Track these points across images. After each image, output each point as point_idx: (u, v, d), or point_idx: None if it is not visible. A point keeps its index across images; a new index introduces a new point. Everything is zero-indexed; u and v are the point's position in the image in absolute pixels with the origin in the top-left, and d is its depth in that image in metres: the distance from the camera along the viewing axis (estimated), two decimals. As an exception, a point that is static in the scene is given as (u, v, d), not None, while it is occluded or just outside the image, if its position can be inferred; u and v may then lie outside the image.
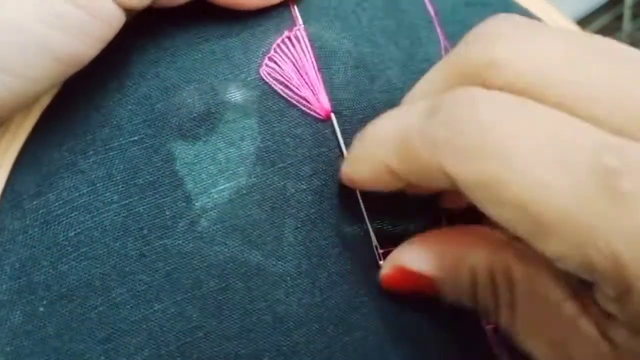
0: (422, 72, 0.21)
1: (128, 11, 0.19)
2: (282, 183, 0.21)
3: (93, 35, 0.18)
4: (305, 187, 0.21)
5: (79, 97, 0.20)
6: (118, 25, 0.19)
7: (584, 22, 0.94)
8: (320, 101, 0.21)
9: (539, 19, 0.24)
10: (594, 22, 0.99)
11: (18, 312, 0.19)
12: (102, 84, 0.20)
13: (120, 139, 0.20)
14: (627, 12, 0.99)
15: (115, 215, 0.20)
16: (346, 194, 0.22)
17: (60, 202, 0.20)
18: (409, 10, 0.23)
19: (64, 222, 0.20)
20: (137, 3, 0.19)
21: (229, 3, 0.21)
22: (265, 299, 0.21)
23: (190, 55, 0.21)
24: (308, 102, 0.21)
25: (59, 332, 0.19)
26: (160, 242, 0.20)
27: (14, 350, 0.19)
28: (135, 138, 0.20)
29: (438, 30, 0.24)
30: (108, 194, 0.20)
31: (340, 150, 0.22)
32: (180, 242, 0.20)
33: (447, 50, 0.24)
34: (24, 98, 0.18)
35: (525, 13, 0.24)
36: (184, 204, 0.20)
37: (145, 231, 0.20)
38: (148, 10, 0.20)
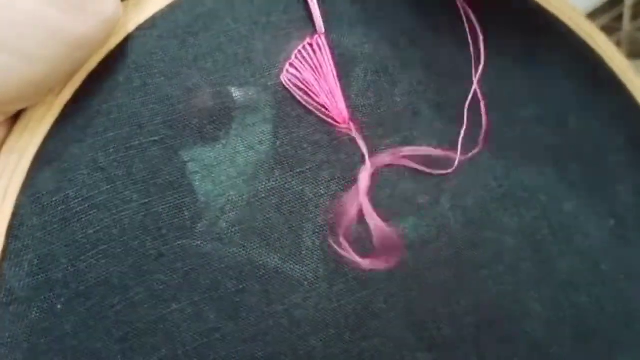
0: (446, 73, 0.22)
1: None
2: (301, 188, 0.21)
3: (95, 16, 0.18)
4: (323, 192, 0.21)
5: (100, 94, 0.20)
6: (118, 6, 0.18)
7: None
8: (338, 108, 0.22)
9: (564, 24, 0.24)
10: (594, 22, 0.98)
11: (36, 309, 0.19)
12: (124, 82, 0.20)
13: (141, 138, 0.20)
14: (627, 12, 0.99)
15: (134, 214, 0.20)
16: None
17: (80, 199, 0.20)
18: (433, 11, 0.23)
19: (83, 219, 0.19)
20: None
21: None
22: (283, 302, 0.21)
23: (213, 56, 0.21)
24: (327, 109, 0.21)
25: (76, 330, 0.19)
26: (179, 242, 0.20)
27: (31, 347, 0.19)
28: (156, 138, 0.20)
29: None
30: (127, 192, 0.20)
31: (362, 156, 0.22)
32: (198, 242, 0.20)
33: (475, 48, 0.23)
34: (35, 83, 0.18)
35: (550, 18, 0.24)
36: (203, 205, 0.20)
37: (164, 231, 0.20)
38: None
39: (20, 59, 0.17)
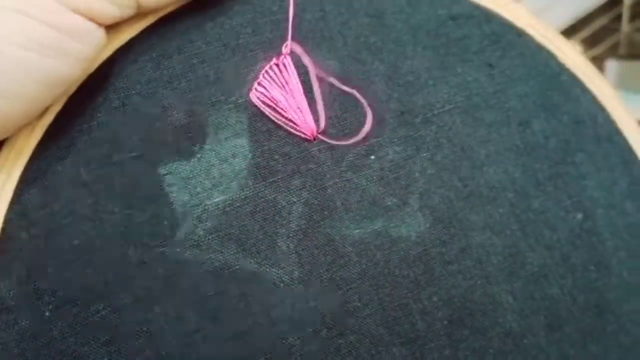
0: (407, 84, 0.23)
1: (109, 28, 0.20)
2: (273, 196, 0.23)
3: (74, 56, 0.19)
4: (295, 200, 0.23)
5: (80, 114, 0.22)
6: (99, 43, 0.20)
7: (583, 22, 0.95)
8: (306, 122, 0.23)
9: (523, 32, 0.26)
10: (593, 22, 1.00)
11: (25, 317, 0.20)
12: (103, 103, 0.22)
13: (121, 154, 0.22)
14: (625, 13, 1.00)
15: (116, 225, 0.21)
16: (334, 205, 0.23)
17: (65, 212, 0.21)
18: (394, 26, 0.25)
19: (68, 231, 0.21)
20: (118, 16, 0.20)
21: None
22: (261, 303, 0.22)
23: (186, 76, 0.22)
24: (295, 123, 0.23)
25: (63, 335, 0.20)
26: (160, 250, 0.21)
27: (21, 352, 0.20)
28: (135, 154, 0.22)
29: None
30: (110, 205, 0.21)
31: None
32: (178, 249, 0.22)
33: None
34: (15, 119, 0.19)
35: (509, 26, 0.26)
36: (181, 215, 0.22)
37: (145, 240, 0.21)
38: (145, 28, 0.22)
39: (6, 102, 0.18)
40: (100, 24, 0.20)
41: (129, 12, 0.20)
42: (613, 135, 0.26)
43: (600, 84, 0.26)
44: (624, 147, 0.26)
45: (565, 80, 0.26)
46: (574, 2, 0.94)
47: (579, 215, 0.25)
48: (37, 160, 0.21)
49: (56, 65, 0.19)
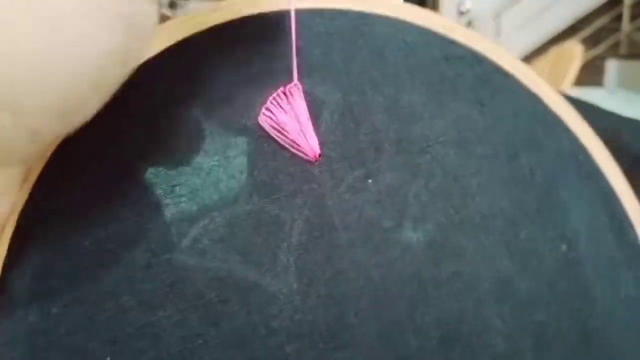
0: (405, 116, 0.25)
1: None
2: (276, 212, 0.24)
3: (142, 34, 0.19)
4: (297, 217, 0.24)
5: (95, 124, 0.23)
6: (154, 23, 0.20)
7: (583, 22, 0.95)
8: (309, 145, 0.25)
9: (510, 74, 0.28)
10: (593, 22, 1.01)
11: (34, 312, 0.21)
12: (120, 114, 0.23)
13: (140, 163, 0.23)
14: (626, 13, 1.00)
15: (127, 230, 0.22)
16: (333, 224, 0.24)
17: (79, 214, 0.22)
18: (394, 63, 0.26)
19: (81, 232, 0.22)
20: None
21: None
22: (261, 313, 0.23)
23: (201, 96, 0.24)
24: (299, 145, 0.24)
25: (70, 331, 0.21)
26: (166, 256, 0.23)
27: (30, 346, 0.21)
28: (151, 162, 0.23)
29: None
30: (122, 210, 0.23)
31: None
32: (184, 256, 0.23)
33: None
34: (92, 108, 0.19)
35: (497, 68, 0.28)
36: (188, 223, 0.23)
37: (153, 245, 0.23)
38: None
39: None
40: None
41: None
42: (593, 173, 0.27)
43: (581, 125, 0.28)
44: (603, 183, 0.27)
45: (550, 119, 0.28)
46: (574, 2, 0.94)
47: (564, 246, 0.27)
48: (55, 163, 0.22)
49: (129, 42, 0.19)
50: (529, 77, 0.28)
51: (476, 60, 0.27)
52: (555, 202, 0.27)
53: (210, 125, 0.24)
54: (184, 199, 0.23)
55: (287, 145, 0.24)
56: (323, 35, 0.25)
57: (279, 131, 0.24)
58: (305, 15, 0.25)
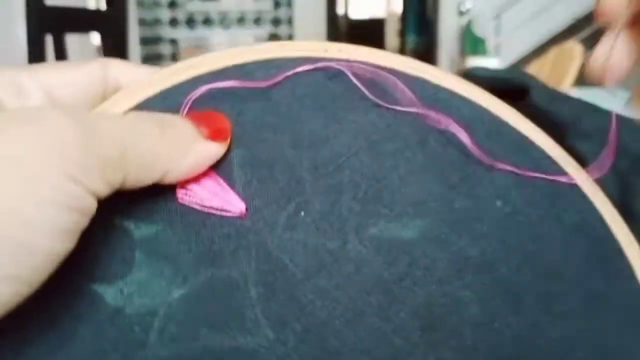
0: (311, 144, 0.27)
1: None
2: (226, 273, 0.25)
3: (75, 231, 0.20)
4: (247, 271, 0.25)
5: None
6: (92, 214, 0.21)
7: (583, 22, 0.95)
8: (233, 204, 0.26)
9: (392, 69, 0.28)
10: (593, 22, 1.01)
11: None
12: None
13: (75, 276, 0.24)
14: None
15: (87, 345, 0.23)
16: (283, 264, 0.25)
17: (34, 348, 0.23)
18: (282, 102, 0.27)
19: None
20: (109, 192, 0.21)
21: (180, 179, 0.24)
22: None
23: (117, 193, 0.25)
24: (224, 209, 0.26)
25: None
26: (139, 355, 0.23)
27: None
28: (89, 287, 0.24)
29: None
30: (78, 332, 0.23)
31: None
32: (155, 349, 0.24)
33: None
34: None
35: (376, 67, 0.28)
36: (149, 317, 0.24)
37: (122, 349, 0.23)
38: None
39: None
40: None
41: (114, 189, 0.22)
42: (501, 127, 0.28)
43: (473, 89, 0.29)
44: (515, 134, 0.28)
45: (443, 95, 0.28)
46: (574, 2, 0.94)
47: (498, 202, 0.27)
48: None
49: (67, 246, 0.20)
50: (409, 64, 0.29)
51: (358, 69, 0.28)
52: (474, 166, 0.28)
53: (128, 221, 0.25)
54: (135, 296, 0.24)
55: (213, 212, 0.26)
56: (207, 101, 0.26)
57: (199, 203, 0.26)
58: (186, 86, 0.26)
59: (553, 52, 1.76)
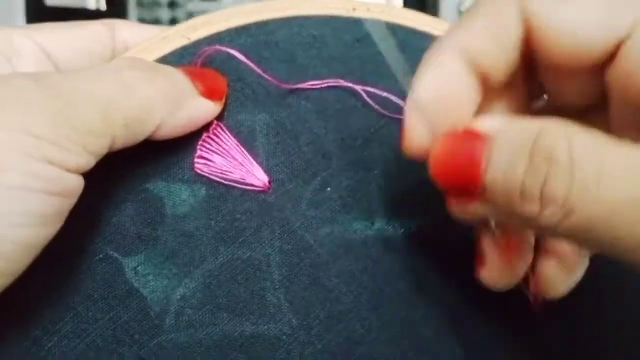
0: (337, 113, 0.24)
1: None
2: (248, 254, 0.23)
3: (58, 214, 0.18)
4: (270, 251, 0.23)
5: None
6: (79, 192, 0.19)
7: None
8: (256, 176, 0.24)
9: (425, 33, 0.26)
10: None
11: None
12: None
13: (87, 260, 0.22)
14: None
15: (104, 331, 0.21)
16: (308, 244, 0.23)
17: (48, 335, 0.21)
18: (308, 64, 0.25)
19: (57, 353, 0.21)
20: (93, 164, 0.19)
21: (172, 137, 0.22)
22: None
23: (130, 167, 0.23)
24: (245, 180, 0.23)
25: None
26: (155, 342, 0.21)
27: None
28: (101, 256, 0.22)
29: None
30: (90, 313, 0.21)
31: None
32: (172, 335, 0.21)
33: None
34: None
35: (412, 32, 0.27)
36: (164, 300, 0.22)
37: (136, 336, 0.21)
38: None
39: None
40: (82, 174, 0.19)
41: (102, 155, 0.19)
42: None
43: None
44: None
45: None
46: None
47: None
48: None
49: (49, 229, 0.18)
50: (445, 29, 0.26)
51: (390, 31, 0.26)
52: None
53: (147, 192, 0.23)
54: (150, 276, 0.22)
55: (233, 184, 0.23)
56: (227, 60, 0.24)
57: (219, 173, 0.23)
58: (204, 44, 0.24)
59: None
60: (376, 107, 0.25)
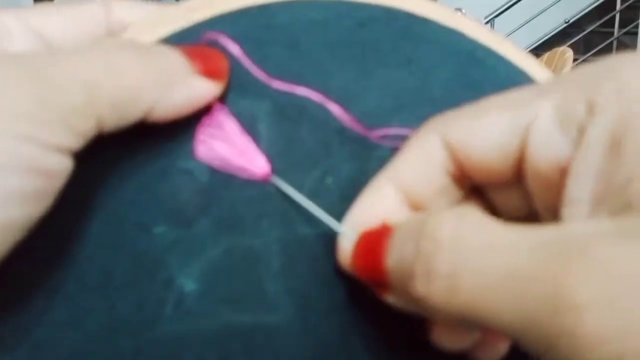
0: (341, 99, 0.23)
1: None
2: (248, 242, 0.22)
3: (44, 195, 0.18)
4: (270, 240, 0.23)
5: None
6: (69, 171, 0.18)
7: (576, 26, 0.96)
8: (257, 165, 0.23)
9: (427, 19, 0.26)
10: (586, 27, 1.02)
11: None
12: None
13: (86, 249, 0.21)
14: (617, 18, 1.01)
15: (100, 321, 0.20)
16: (306, 237, 0.23)
17: (42, 326, 0.20)
18: (311, 49, 0.25)
19: (52, 344, 0.20)
20: (82, 145, 0.18)
21: (169, 119, 0.21)
22: (268, 352, 0.22)
23: (127, 154, 0.22)
24: (247, 169, 0.23)
25: None
26: (153, 333, 0.21)
27: None
28: (98, 243, 0.21)
29: None
30: (87, 302, 0.20)
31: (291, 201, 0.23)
32: (172, 325, 0.21)
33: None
34: None
35: (412, 17, 0.26)
36: (163, 290, 0.21)
37: (134, 327, 0.21)
38: None
39: None
40: (69, 156, 0.18)
41: (90, 139, 0.19)
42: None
43: (511, 48, 0.27)
44: None
45: (480, 54, 0.26)
46: (566, 7, 0.95)
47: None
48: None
49: (31, 210, 0.17)
50: (447, 14, 0.26)
51: (391, 16, 0.26)
52: None
53: (147, 177, 0.22)
54: (149, 266, 0.21)
55: (235, 172, 0.23)
56: (229, 44, 0.23)
57: (221, 160, 0.23)
58: (204, 26, 0.23)
59: (545, 57, 1.77)
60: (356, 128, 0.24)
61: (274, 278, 0.22)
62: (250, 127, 0.23)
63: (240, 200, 0.23)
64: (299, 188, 0.23)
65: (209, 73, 0.22)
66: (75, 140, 0.18)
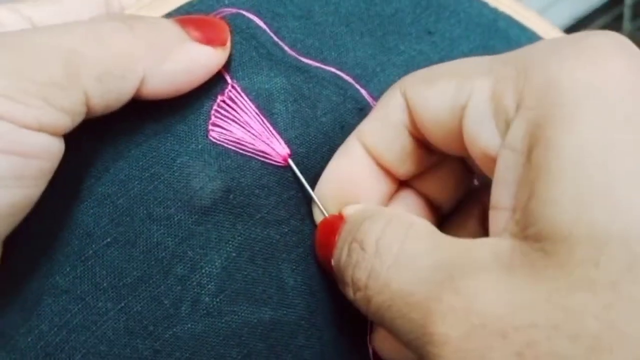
0: (357, 77, 0.22)
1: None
2: (265, 232, 0.21)
3: (33, 177, 0.16)
4: (287, 230, 0.21)
5: (37, 212, 0.18)
6: (59, 153, 0.17)
7: (584, 22, 0.94)
8: (275, 148, 0.21)
9: (529, 29, 0.25)
10: (594, 22, 1.00)
11: None
12: (58, 195, 0.19)
13: (93, 245, 0.19)
14: (627, 12, 0.99)
15: (115, 323, 0.19)
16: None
17: (55, 329, 0.19)
18: (326, 21, 0.23)
19: (66, 348, 0.18)
20: (70, 126, 0.17)
21: (170, 94, 0.20)
22: (289, 349, 0.20)
23: (134, 140, 0.20)
24: (264, 153, 0.21)
25: None
26: (170, 332, 0.19)
27: None
28: (109, 240, 0.19)
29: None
30: (100, 303, 0.19)
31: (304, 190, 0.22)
32: (189, 325, 0.20)
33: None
34: None
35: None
36: (179, 287, 0.20)
37: (151, 327, 0.19)
38: None
39: None
40: (55, 135, 0.17)
41: (79, 118, 0.17)
42: None
43: (534, 18, 0.26)
44: None
45: (502, 24, 0.25)
46: (575, 1, 0.93)
47: None
48: (6, 282, 0.18)
49: (15, 192, 0.16)
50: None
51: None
52: None
53: (158, 165, 0.20)
54: (165, 261, 0.20)
55: (252, 155, 0.21)
56: (237, 15, 0.22)
57: (237, 143, 0.21)
58: (212, 2, 0.22)
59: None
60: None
61: (293, 270, 0.21)
62: (266, 107, 0.21)
63: (257, 187, 0.21)
64: (316, 175, 0.22)
65: (208, 40, 0.20)
66: (58, 116, 0.16)
